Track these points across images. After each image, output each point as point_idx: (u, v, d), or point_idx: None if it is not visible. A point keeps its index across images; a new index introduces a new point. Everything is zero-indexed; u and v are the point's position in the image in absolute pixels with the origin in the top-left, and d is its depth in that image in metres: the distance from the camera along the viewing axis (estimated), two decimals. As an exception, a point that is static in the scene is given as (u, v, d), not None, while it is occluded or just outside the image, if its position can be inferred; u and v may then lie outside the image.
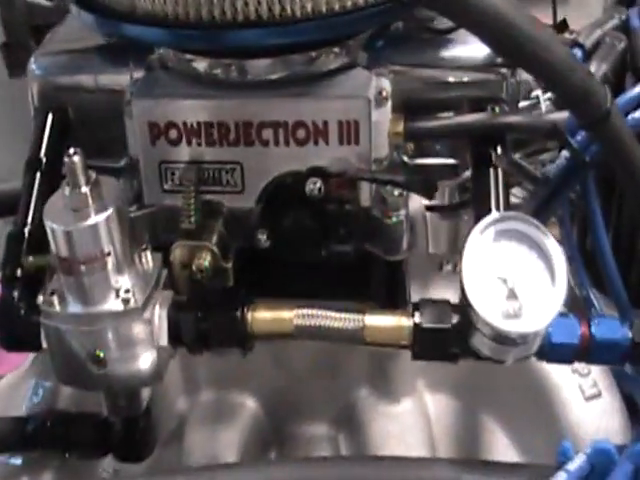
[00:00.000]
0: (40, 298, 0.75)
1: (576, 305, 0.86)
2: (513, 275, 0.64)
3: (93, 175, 0.72)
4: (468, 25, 0.63)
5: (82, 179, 0.70)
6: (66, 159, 0.70)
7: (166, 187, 0.79)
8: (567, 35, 0.89)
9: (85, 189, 0.70)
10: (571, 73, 0.63)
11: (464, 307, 0.68)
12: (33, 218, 0.79)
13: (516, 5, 0.64)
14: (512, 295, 0.64)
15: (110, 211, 0.70)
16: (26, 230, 0.78)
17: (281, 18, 0.70)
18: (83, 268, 0.70)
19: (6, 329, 0.76)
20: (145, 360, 0.73)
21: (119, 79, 0.81)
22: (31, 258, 0.75)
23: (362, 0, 0.71)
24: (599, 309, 0.86)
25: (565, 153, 0.77)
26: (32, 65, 0.84)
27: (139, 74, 0.81)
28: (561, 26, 0.88)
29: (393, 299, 0.79)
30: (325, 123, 0.74)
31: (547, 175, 0.77)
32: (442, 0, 0.62)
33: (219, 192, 0.78)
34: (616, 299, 0.80)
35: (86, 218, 0.70)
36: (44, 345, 0.75)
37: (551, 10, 0.93)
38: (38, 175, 0.81)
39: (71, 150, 0.70)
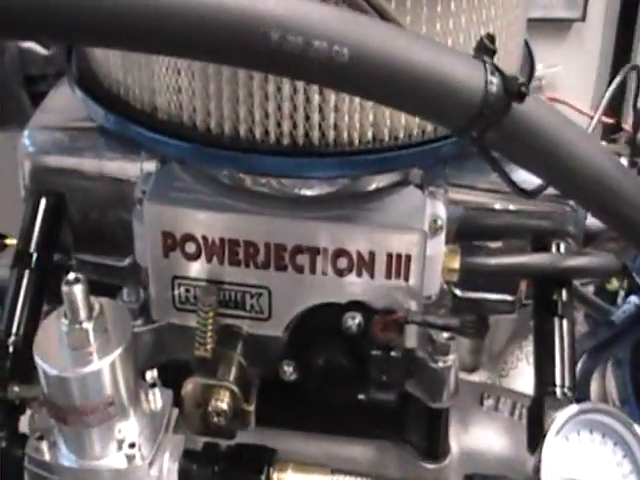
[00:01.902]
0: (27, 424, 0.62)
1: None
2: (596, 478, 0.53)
3: (97, 306, 0.57)
4: (565, 189, 0.50)
5: (84, 313, 0.56)
6: (64, 288, 0.55)
7: (178, 305, 0.64)
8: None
9: (87, 325, 0.56)
10: None
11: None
12: (18, 326, 0.64)
13: (618, 162, 0.51)
14: (595, 504, 0.53)
15: (118, 352, 0.57)
16: (10, 342, 0.63)
17: (334, 146, 0.55)
18: (80, 418, 0.57)
19: (-18, 462, 0.63)
20: (150, 520, 0.61)
21: (127, 168, 0.66)
22: (16, 389, 0.60)
23: (430, 128, 0.57)
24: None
25: (635, 299, 0.65)
26: (25, 140, 0.68)
27: (150, 165, 0.65)
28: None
29: (433, 447, 0.67)
30: (372, 254, 0.60)
31: (612, 319, 0.66)
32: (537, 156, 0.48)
33: (241, 317, 0.64)
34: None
35: (87, 362, 0.55)
36: (27, 489, 0.62)
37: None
38: (27, 272, 0.66)
39: (71, 276, 0.56)
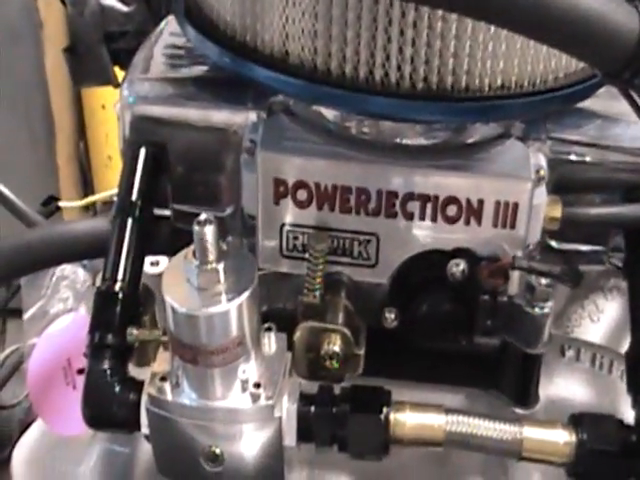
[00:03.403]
0: (131, 371, 0.61)
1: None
2: None
3: (225, 247, 0.57)
4: None
5: (214, 254, 0.55)
6: (196, 227, 0.54)
7: (286, 253, 0.64)
8: None
9: (216, 266, 0.55)
10: None
11: (635, 428, 0.58)
12: (125, 273, 0.63)
13: None
14: None
15: (246, 294, 0.56)
16: (117, 287, 0.62)
17: (463, 91, 0.56)
18: (209, 358, 0.56)
19: (96, 407, 0.59)
20: (268, 460, 0.60)
21: (233, 118, 0.64)
22: (135, 331, 0.59)
23: (574, 67, 0.58)
24: None
25: None
26: (125, 91, 0.66)
27: (254, 115, 0.65)
28: None
29: (525, 393, 0.67)
30: (480, 202, 0.61)
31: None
32: None
33: (348, 264, 0.64)
34: None
35: (217, 301, 0.55)
36: (144, 430, 0.60)
37: None
38: (130, 221, 0.64)
39: (202, 217, 0.55)
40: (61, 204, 0.94)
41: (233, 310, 0.55)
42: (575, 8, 0.45)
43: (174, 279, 0.57)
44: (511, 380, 0.68)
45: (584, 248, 0.67)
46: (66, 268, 0.74)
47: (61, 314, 0.70)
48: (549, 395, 0.70)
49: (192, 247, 0.56)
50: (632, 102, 0.52)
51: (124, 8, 0.78)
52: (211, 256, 0.55)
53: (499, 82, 0.57)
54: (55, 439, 0.74)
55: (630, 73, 0.48)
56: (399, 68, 0.56)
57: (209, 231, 0.55)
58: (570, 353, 0.73)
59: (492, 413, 0.64)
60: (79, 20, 0.77)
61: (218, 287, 0.56)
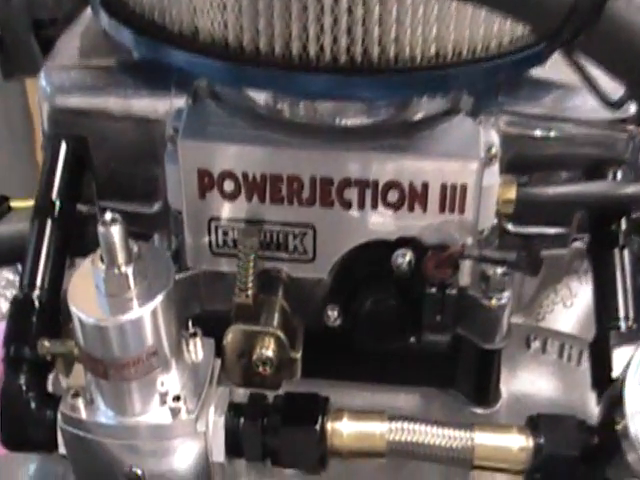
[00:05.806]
0: (50, 385, 0.55)
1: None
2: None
3: (135, 248, 0.50)
4: None
5: (122, 257, 0.48)
6: (101, 228, 0.48)
7: (216, 249, 0.58)
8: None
9: (126, 269, 0.49)
10: None
11: (598, 429, 0.51)
12: (43, 279, 0.56)
13: None
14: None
15: (159, 298, 0.49)
16: (35, 296, 0.55)
17: (388, 63, 0.48)
18: (122, 371, 0.50)
19: (12, 426, 0.53)
20: (195, 478, 0.54)
21: (156, 105, 0.57)
22: (47, 344, 0.53)
23: (520, 30, 0.49)
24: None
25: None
26: (42, 81, 0.60)
27: (180, 102, 0.58)
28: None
29: (484, 392, 0.61)
30: (425, 186, 0.54)
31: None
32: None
33: (283, 260, 0.57)
34: None
35: (127, 309, 0.48)
36: (61, 450, 0.55)
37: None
38: (49, 222, 0.58)
39: (108, 216, 0.48)
40: (12, 204, 0.88)
41: (146, 316, 0.49)
42: None
43: (82, 287, 0.50)
44: (468, 378, 0.61)
45: (544, 231, 0.60)
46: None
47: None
48: (513, 391, 0.63)
49: (99, 250, 0.50)
50: (577, 68, 0.45)
51: (52, -6, 0.71)
52: (119, 259, 0.48)
53: (433, 51, 0.49)
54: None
55: (569, 33, 0.41)
56: (318, 39, 0.48)
57: (115, 232, 0.47)
58: (536, 344, 0.65)
59: (447, 415, 0.58)
60: (6, 8, 0.71)
61: (129, 293, 0.49)
